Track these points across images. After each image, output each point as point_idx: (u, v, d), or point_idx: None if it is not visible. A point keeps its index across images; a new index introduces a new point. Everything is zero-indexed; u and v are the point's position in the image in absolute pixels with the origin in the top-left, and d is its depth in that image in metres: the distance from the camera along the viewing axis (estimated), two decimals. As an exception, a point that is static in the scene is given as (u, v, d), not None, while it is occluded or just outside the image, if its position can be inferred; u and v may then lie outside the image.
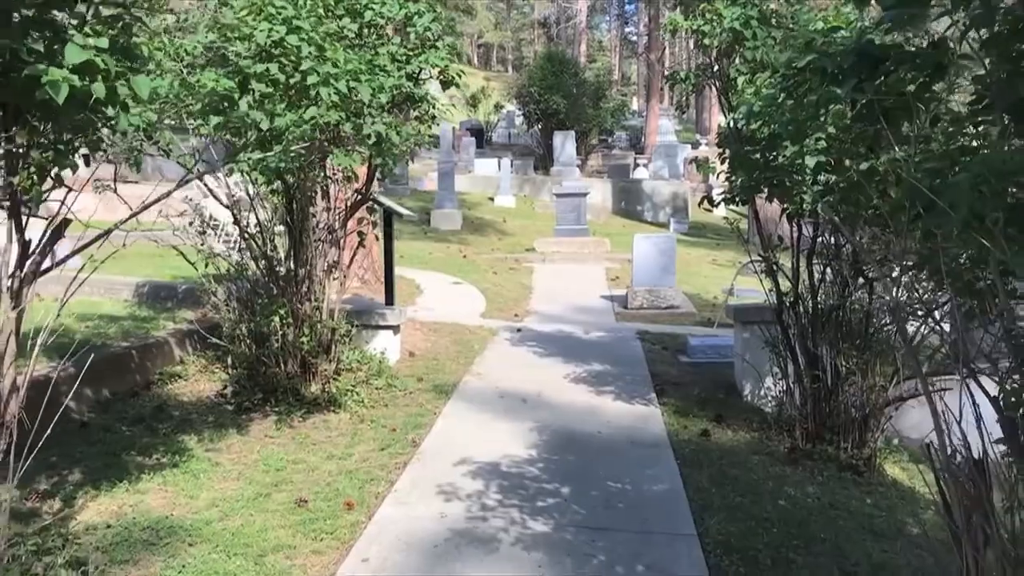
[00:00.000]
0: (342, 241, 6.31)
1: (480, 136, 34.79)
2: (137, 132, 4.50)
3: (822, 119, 3.01)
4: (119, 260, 8.75)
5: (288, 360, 6.14)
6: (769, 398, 7.03)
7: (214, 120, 3.79)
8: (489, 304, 10.84)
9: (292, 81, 3.82)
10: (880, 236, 4.63)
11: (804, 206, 4.65)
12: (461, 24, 60.27)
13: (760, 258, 6.26)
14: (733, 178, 6.07)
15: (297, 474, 4.93)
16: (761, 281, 6.42)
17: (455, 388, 6.81)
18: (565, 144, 25.63)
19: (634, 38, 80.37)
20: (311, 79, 3.83)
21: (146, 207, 3.80)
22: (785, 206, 5.59)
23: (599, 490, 4.75)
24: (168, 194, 3.79)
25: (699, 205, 6.42)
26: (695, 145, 38.63)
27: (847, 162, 3.05)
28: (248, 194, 6.03)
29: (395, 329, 7.43)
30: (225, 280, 6.40)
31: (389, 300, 8.51)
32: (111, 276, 8.73)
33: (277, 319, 5.94)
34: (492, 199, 23.73)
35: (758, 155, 4.07)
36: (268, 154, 4.06)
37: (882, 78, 2.91)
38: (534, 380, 7.15)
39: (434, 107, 5.98)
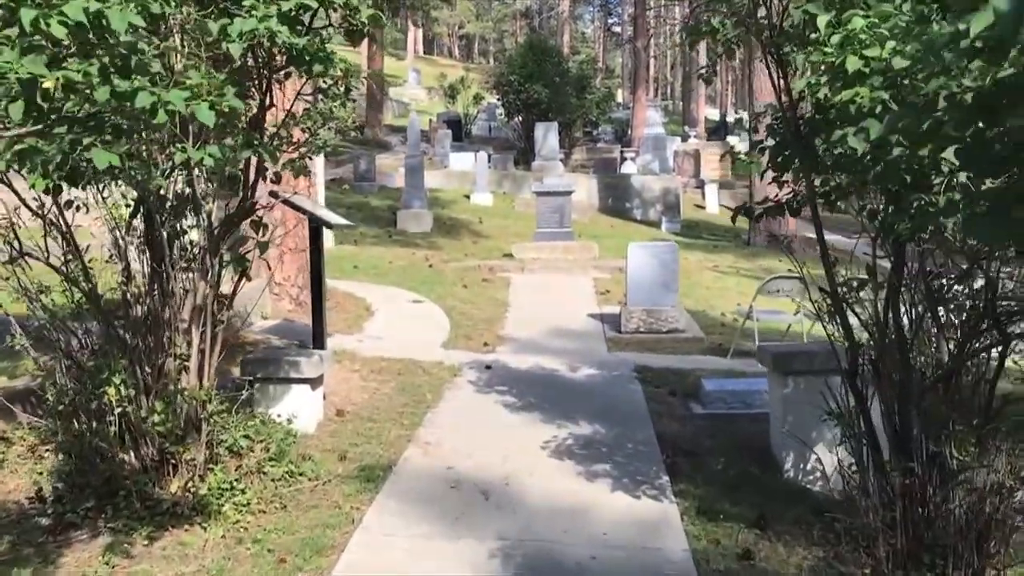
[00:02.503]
0: (213, 271, 4.35)
1: (458, 128, 32.79)
2: None
3: None
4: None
5: (138, 447, 4.20)
6: (818, 474, 5.21)
7: None
8: (454, 330, 8.91)
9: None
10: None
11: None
12: (438, 10, 58.12)
13: (822, 290, 4.36)
14: (785, 177, 4.21)
15: (99, 669, 3.00)
16: (826, 319, 4.53)
17: (390, 472, 4.88)
18: (547, 136, 23.70)
19: (618, 28, 78.61)
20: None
21: None
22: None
23: None
24: None
25: (732, 220, 4.51)
26: (684, 138, 36.89)
27: None
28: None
29: (313, 383, 5.49)
30: (55, 327, 4.44)
31: (317, 338, 6.58)
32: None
33: (112, 389, 4.00)
34: (468, 197, 21.79)
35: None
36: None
37: None
38: (502, 453, 5.24)
39: (348, 73, 4.04)
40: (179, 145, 3.34)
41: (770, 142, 4.28)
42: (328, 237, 13.00)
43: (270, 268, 8.85)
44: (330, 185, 22.36)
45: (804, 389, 5.29)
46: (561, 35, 60.66)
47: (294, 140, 5.07)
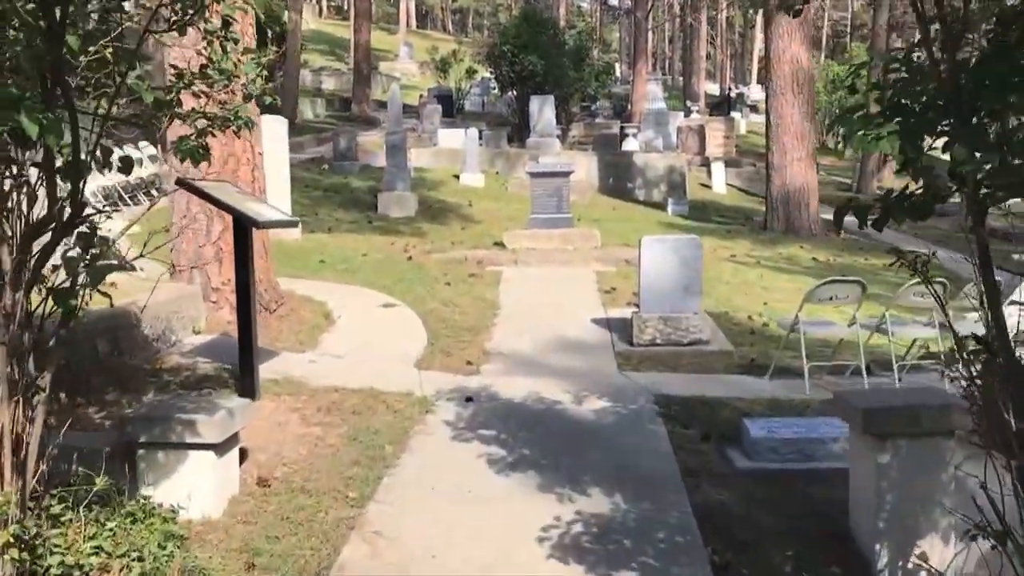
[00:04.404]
0: (18, 308, 2.77)
1: (449, 104, 31.09)
2: None
3: None
4: None
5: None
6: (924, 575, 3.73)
7: None
8: (431, 343, 7.36)
9: None
10: None
11: None
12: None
13: (976, 339, 2.79)
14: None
15: None
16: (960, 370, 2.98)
17: (316, 593, 3.36)
18: (543, 110, 22.04)
19: (614, 1, 76.43)
20: None
21: None
22: None
23: None
24: None
25: (837, 225, 2.93)
26: (687, 113, 35.20)
27: None
28: None
29: (219, 448, 3.93)
30: None
31: (245, 372, 5.05)
32: None
33: None
34: (458, 177, 20.17)
35: None
36: None
37: None
38: (482, 550, 3.72)
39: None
40: None
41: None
42: (294, 228, 11.42)
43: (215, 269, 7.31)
44: (308, 164, 20.71)
45: (905, 457, 3.78)
46: (557, 8, 58.60)
47: (187, 110, 3.54)
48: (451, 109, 31.10)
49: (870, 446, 3.84)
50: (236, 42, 3.13)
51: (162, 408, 4.02)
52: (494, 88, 30.60)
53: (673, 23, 64.41)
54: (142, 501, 3.63)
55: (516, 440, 5.10)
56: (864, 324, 6.68)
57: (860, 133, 2.44)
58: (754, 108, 47.24)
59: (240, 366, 5.20)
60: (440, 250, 11.96)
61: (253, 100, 3.77)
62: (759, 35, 70.33)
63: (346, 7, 61.49)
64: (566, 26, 45.45)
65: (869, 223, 2.81)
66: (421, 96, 33.93)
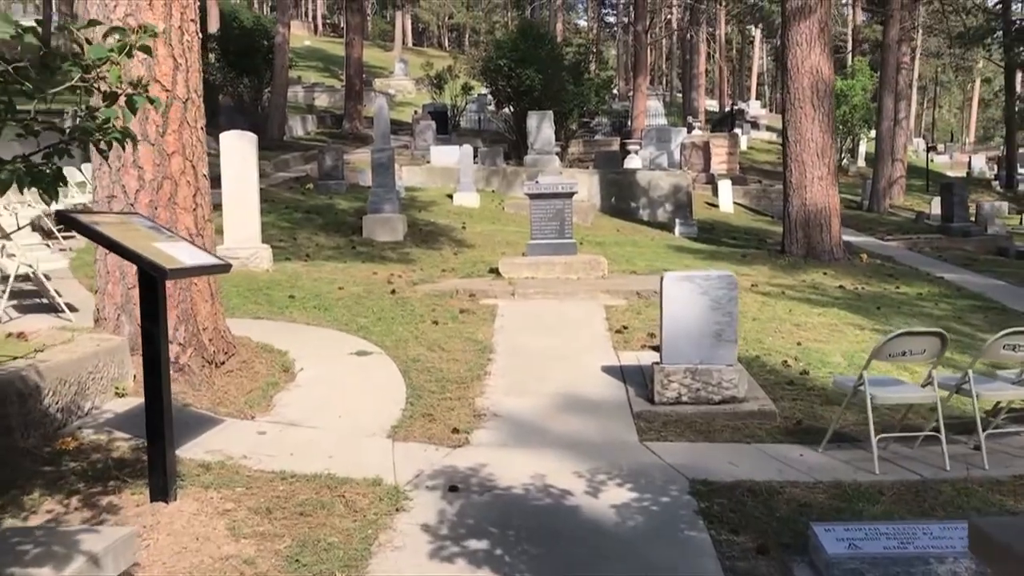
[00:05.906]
0: None
1: (444, 120, 29.97)
2: None
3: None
4: None
5: None
6: None
7: None
8: (411, 403, 6.09)
9: None
10: None
11: None
12: (428, 1, 55.06)
13: None
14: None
15: None
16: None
17: None
18: (542, 126, 20.86)
19: (611, 19, 75.73)
20: None
21: None
22: None
23: None
24: None
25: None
26: (689, 129, 34.13)
27: None
28: None
29: (73, 617, 2.66)
30: None
31: (155, 480, 3.79)
32: None
33: None
34: (452, 196, 18.97)
35: None
36: None
37: None
38: None
39: None
40: None
41: None
42: (264, 257, 10.19)
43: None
44: (292, 184, 19.51)
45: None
46: (553, 26, 57.70)
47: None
48: (446, 126, 30.02)
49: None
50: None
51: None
52: (490, 104, 29.50)
53: (671, 39, 63.59)
54: None
55: (514, 558, 3.83)
56: (941, 382, 5.44)
57: None
58: (754, 124, 46.35)
59: (149, 460, 3.93)
60: (428, 280, 10.71)
61: (120, 101, 2.53)
62: (757, 52, 69.76)
63: (341, 24, 60.58)
64: (563, 43, 44.50)
65: None
66: (415, 112, 32.87)
